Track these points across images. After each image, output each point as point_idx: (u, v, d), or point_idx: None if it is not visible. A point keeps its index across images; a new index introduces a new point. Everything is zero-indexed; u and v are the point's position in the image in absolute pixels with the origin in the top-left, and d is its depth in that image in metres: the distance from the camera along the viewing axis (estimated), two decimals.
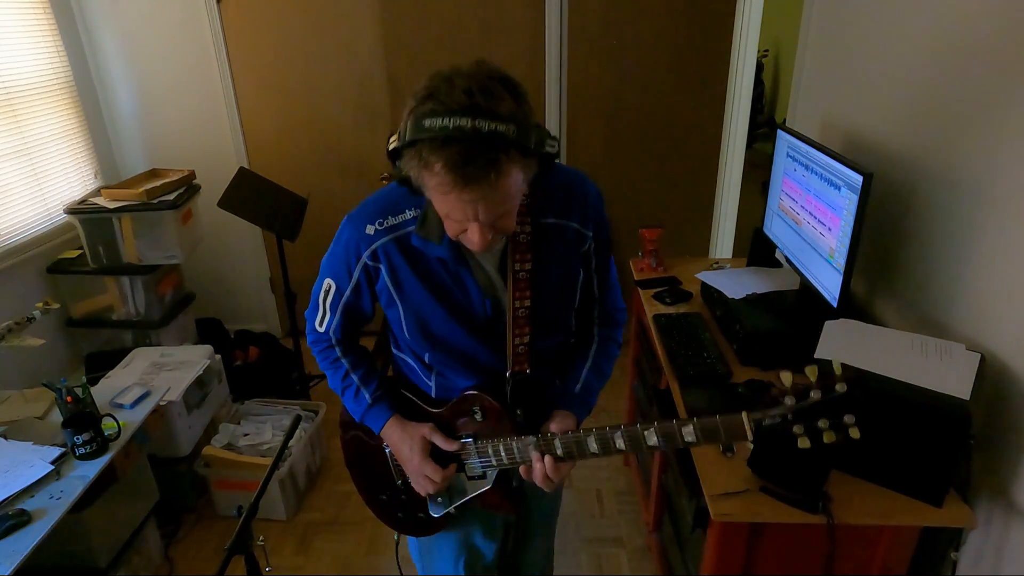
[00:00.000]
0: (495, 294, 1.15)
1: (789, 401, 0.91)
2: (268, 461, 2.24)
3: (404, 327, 1.18)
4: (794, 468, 1.30)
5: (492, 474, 1.22)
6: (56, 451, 1.78)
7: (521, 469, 1.15)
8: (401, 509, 1.36)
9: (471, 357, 1.18)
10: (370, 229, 1.11)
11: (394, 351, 1.33)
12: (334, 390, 1.32)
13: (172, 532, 2.38)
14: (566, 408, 1.22)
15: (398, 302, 1.15)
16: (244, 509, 1.38)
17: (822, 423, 0.90)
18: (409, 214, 1.10)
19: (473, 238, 0.97)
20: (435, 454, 1.22)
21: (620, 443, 1.06)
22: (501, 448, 1.17)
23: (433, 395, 1.26)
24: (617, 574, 2.22)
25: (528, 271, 1.11)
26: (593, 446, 1.09)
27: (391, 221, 1.10)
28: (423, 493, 1.25)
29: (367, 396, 1.26)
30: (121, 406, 2.04)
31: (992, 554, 1.35)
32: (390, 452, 1.31)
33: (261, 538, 1.40)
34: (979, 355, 1.34)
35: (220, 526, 2.43)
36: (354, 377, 1.27)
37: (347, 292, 1.19)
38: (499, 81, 0.89)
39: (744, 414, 0.94)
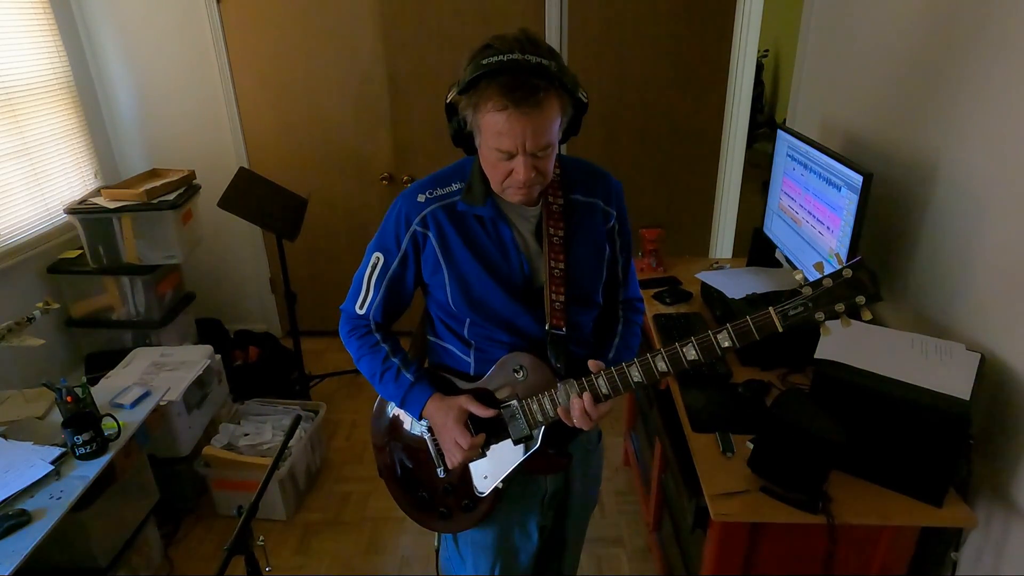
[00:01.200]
0: (531, 257, 1.25)
1: (807, 291, 1.03)
2: (268, 461, 2.24)
3: (448, 292, 1.24)
4: (794, 468, 1.30)
5: (539, 433, 1.24)
6: (56, 451, 1.78)
7: (559, 412, 1.18)
8: (443, 503, 1.35)
9: (509, 320, 1.24)
10: (421, 198, 1.23)
11: (431, 339, 1.37)
12: (369, 376, 1.32)
13: (172, 532, 2.38)
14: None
15: (444, 267, 1.23)
16: (244, 509, 1.38)
17: (838, 307, 1.02)
18: (455, 186, 1.23)
19: (518, 173, 1.09)
20: (476, 426, 1.25)
21: (662, 365, 1.12)
22: (547, 401, 1.20)
23: (472, 372, 1.30)
24: (617, 574, 2.22)
25: (561, 237, 1.23)
26: (636, 374, 1.14)
27: (440, 191, 1.23)
28: (452, 463, 1.27)
29: (409, 376, 1.28)
30: (121, 406, 2.04)
31: (992, 554, 1.35)
32: (431, 438, 1.32)
33: (261, 538, 1.40)
34: (979, 355, 1.34)
35: (220, 526, 2.43)
36: (395, 360, 1.30)
37: (394, 264, 1.26)
38: (541, 40, 1.09)
39: (771, 309, 1.05)
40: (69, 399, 1.82)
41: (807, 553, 1.37)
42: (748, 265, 2.26)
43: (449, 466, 1.30)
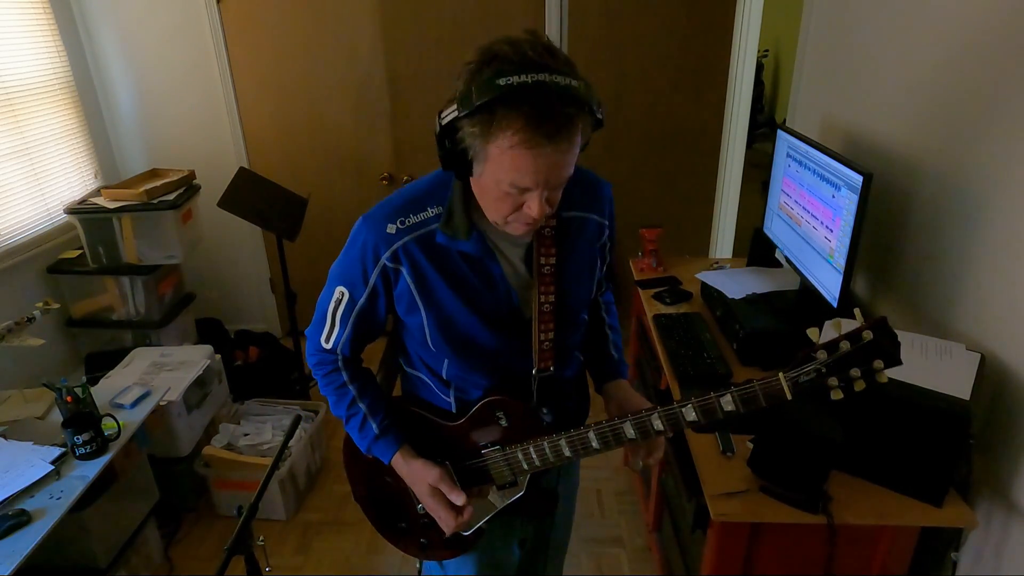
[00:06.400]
0: (519, 286, 1.12)
1: (822, 356, 0.93)
2: (268, 461, 2.23)
3: (427, 333, 1.11)
4: (794, 468, 1.30)
5: (524, 480, 1.18)
6: (56, 451, 1.78)
7: (627, 452, 1.12)
8: (424, 534, 1.29)
9: (493, 359, 1.14)
10: (391, 228, 1.04)
11: (407, 369, 1.27)
12: (337, 415, 1.23)
13: (172, 532, 2.38)
14: (617, 374, 1.30)
15: (421, 307, 1.09)
16: (244, 509, 1.38)
17: (854, 372, 0.92)
18: (431, 211, 1.05)
19: (532, 210, 0.94)
20: (457, 468, 1.19)
21: (658, 424, 1.07)
22: (532, 451, 1.13)
23: (454, 410, 1.21)
24: (617, 574, 2.22)
25: (552, 265, 1.10)
26: (630, 432, 1.08)
27: (413, 219, 1.05)
28: (448, 532, 1.18)
29: (374, 427, 1.18)
30: (121, 406, 2.04)
31: (992, 554, 1.35)
32: None
33: (261, 538, 1.40)
34: (979, 355, 1.34)
35: (220, 526, 2.43)
36: (361, 406, 1.19)
37: (362, 300, 1.11)
38: (555, 46, 0.91)
39: (780, 375, 0.95)
40: (69, 399, 1.82)
41: (807, 553, 1.37)
42: (748, 265, 2.26)
43: (446, 532, 1.18)
